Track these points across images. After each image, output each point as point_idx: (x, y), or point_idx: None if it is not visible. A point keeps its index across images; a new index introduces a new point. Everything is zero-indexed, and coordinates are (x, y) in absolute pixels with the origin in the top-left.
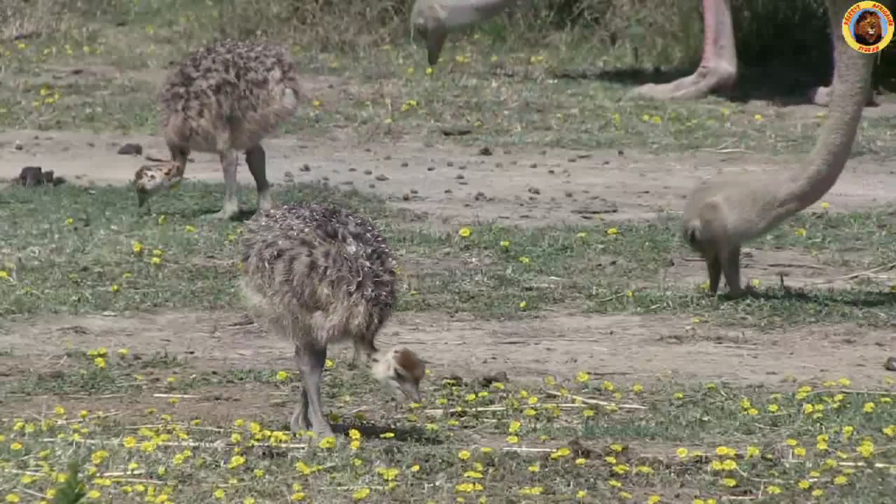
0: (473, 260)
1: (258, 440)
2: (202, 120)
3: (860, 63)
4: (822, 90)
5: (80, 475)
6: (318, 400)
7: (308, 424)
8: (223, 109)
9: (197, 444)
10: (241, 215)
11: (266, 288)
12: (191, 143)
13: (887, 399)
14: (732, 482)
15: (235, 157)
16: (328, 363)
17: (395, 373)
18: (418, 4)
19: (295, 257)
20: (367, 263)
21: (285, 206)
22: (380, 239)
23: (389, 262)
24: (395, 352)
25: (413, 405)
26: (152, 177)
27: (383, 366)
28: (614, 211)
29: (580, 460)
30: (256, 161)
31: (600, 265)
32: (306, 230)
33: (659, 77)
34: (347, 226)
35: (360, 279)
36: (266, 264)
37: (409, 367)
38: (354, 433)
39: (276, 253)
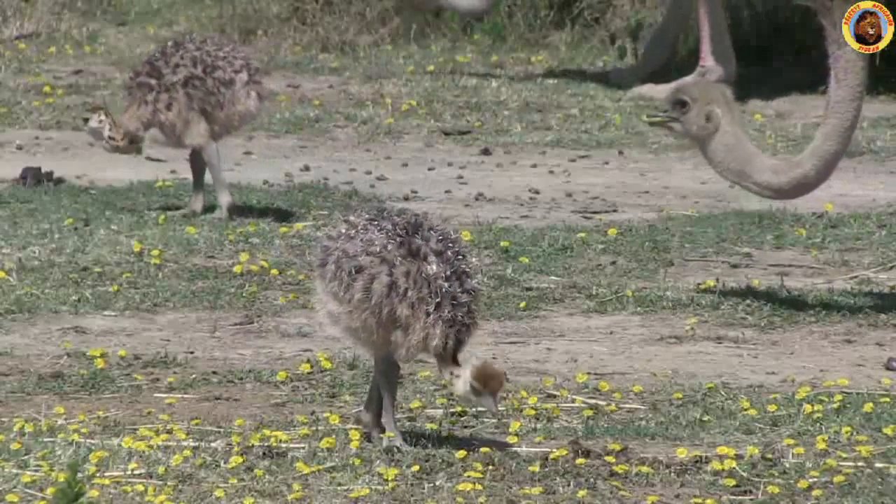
0: (473, 260)
1: (259, 440)
2: (170, 114)
3: (859, 66)
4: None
5: (79, 475)
6: (393, 407)
7: (382, 429)
8: (193, 104)
9: (197, 444)
10: (237, 208)
11: (344, 299)
12: (146, 136)
13: (887, 399)
14: (732, 482)
15: (215, 149)
16: (327, 364)
17: (471, 387)
18: None
19: (376, 276)
20: (446, 284)
21: (366, 216)
22: (461, 256)
23: (469, 281)
24: (473, 366)
25: (494, 416)
26: (100, 121)
27: (462, 382)
28: (614, 211)
29: (580, 460)
30: (200, 161)
31: (600, 265)
32: (389, 247)
33: (659, 77)
34: (430, 241)
35: (439, 300)
36: (345, 276)
37: (484, 381)
38: (354, 433)
39: (356, 268)
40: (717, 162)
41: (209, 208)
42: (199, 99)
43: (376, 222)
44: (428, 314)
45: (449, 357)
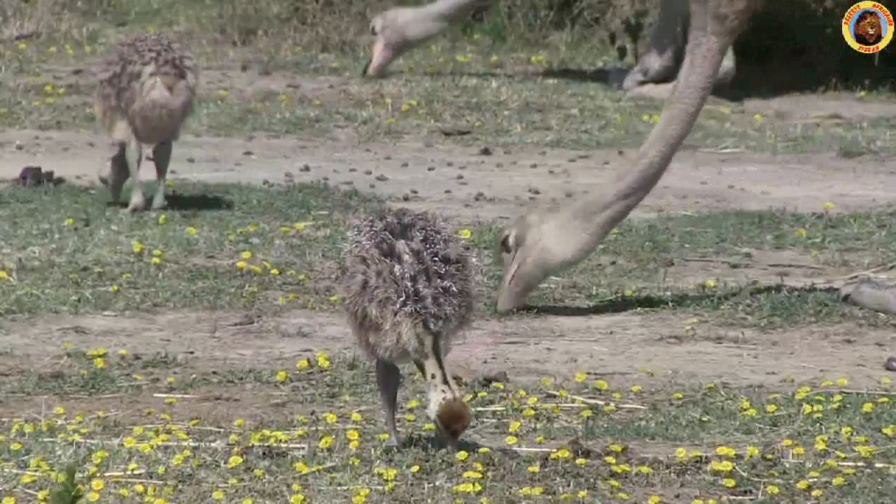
0: (474, 260)
1: (259, 440)
2: (96, 109)
3: (718, 58)
4: (629, 76)
5: (79, 476)
6: (391, 414)
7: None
8: (111, 100)
9: (197, 444)
10: (148, 205)
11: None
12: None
13: (886, 399)
14: (732, 482)
15: (135, 149)
16: (325, 363)
17: (434, 422)
18: (382, 15)
19: (353, 276)
20: (409, 283)
21: (369, 219)
22: (437, 257)
23: (440, 281)
24: (444, 399)
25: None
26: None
27: (432, 405)
28: None
29: (580, 460)
30: (160, 155)
31: (600, 265)
32: (367, 246)
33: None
34: (413, 241)
35: (403, 299)
36: (335, 278)
37: (447, 421)
38: (353, 433)
39: (340, 271)
40: (575, 244)
41: (209, 208)
42: (116, 96)
43: (370, 223)
44: (394, 313)
45: (424, 360)
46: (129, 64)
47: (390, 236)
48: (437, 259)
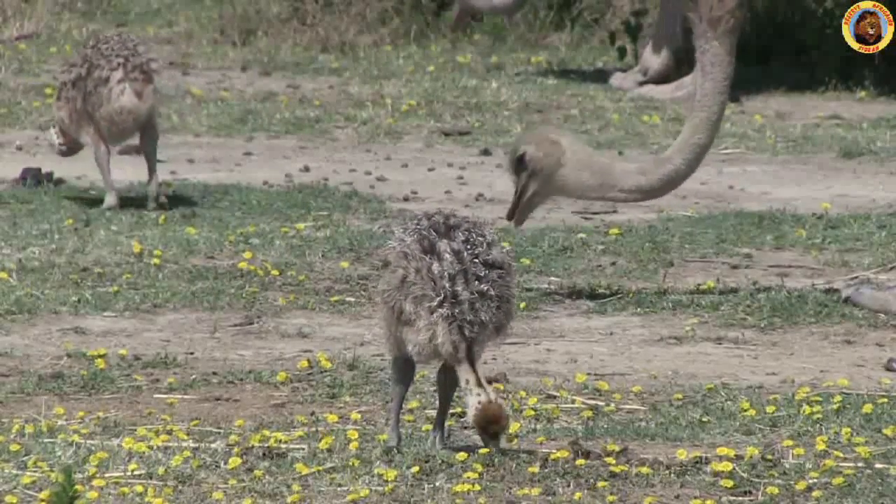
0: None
1: (259, 441)
2: (61, 112)
3: (726, 61)
4: (618, 75)
5: (78, 476)
6: (399, 410)
7: (443, 444)
8: (77, 104)
9: (197, 444)
10: (122, 206)
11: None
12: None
13: (886, 399)
14: (732, 483)
15: (104, 151)
16: (326, 364)
17: (474, 425)
18: None
19: (394, 270)
20: (447, 284)
21: (416, 218)
22: (477, 259)
23: (478, 284)
24: (479, 403)
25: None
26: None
27: (470, 408)
28: (614, 211)
29: (580, 461)
30: (147, 146)
31: (600, 265)
32: (409, 241)
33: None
34: (454, 240)
35: (441, 298)
36: (378, 271)
37: (483, 425)
38: (353, 433)
39: (383, 262)
40: (576, 183)
41: (209, 208)
42: (82, 100)
43: (415, 220)
44: (431, 312)
45: (459, 362)
46: (96, 68)
47: (434, 234)
48: (476, 261)
